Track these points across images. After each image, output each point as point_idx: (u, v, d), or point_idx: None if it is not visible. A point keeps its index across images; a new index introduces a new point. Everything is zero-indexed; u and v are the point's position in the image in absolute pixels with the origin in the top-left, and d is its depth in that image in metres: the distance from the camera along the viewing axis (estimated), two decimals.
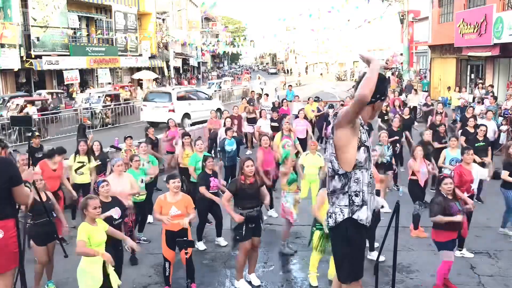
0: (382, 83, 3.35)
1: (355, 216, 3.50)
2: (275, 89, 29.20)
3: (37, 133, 10.06)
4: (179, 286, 5.86)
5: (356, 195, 3.49)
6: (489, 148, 9.22)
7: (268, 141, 8.40)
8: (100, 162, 8.63)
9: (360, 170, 3.48)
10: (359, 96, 3.14)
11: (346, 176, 3.49)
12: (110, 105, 21.17)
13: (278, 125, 13.09)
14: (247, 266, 6.02)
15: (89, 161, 8.30)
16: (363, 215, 3.52)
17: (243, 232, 5.69)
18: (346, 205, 3.52)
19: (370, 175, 3.58)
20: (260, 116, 13.90)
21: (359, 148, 3.44)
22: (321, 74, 67.52)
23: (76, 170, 8.20)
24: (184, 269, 5.31)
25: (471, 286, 5.71)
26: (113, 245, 5.09)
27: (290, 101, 17.68)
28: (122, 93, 26.71)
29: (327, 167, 3.65)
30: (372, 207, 3.64)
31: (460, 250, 6.53)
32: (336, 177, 3.53)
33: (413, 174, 7.54)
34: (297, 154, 9.32)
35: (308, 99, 16.17)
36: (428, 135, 9.50)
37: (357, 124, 3.40)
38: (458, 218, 5.48)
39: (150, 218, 8.10)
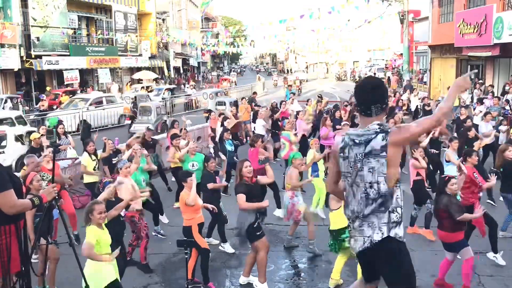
0: (380, 89, 3.31)
1: (392, 234, 3.27)
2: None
3: (38, 134, 10.05)
4: (179, 286, 5.87)
5: (393, 211, 3.27)
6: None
7: (260, 142, 8.80)
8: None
9: (398, 186, 3.32)
10: (445, 109, 3.22)
11: (390, 194, 3.27)
12: None
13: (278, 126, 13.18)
14: (244, 266, 6.01)
15: (97, 157, 8.60)
16: (401, 232, 3.31)
17: (260, 229, 5.68)
18: (385, 223, 3.28)
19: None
20: (256, 117, 13.95)
21: None
22: (326, 71, 67.60)
23: (94, 169, 8.37)
24: (184, 269, 5.31)
25: (471, 286, 5.70)
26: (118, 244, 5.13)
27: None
28: None
29: (368, 190, 3.29)
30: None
31: None
32: (380, 199, 3.27)
33: (418, 174, 7.48)
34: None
35: (307, 101, 16.17)
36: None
37: None
38: (481, 212, 5.83)
39: (164, 219, 8.27)
